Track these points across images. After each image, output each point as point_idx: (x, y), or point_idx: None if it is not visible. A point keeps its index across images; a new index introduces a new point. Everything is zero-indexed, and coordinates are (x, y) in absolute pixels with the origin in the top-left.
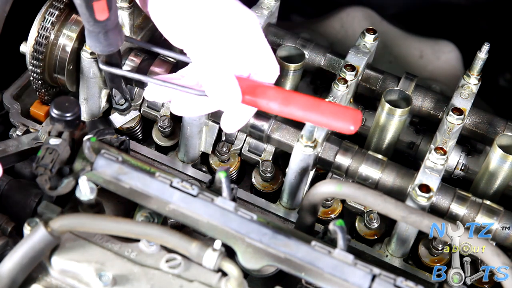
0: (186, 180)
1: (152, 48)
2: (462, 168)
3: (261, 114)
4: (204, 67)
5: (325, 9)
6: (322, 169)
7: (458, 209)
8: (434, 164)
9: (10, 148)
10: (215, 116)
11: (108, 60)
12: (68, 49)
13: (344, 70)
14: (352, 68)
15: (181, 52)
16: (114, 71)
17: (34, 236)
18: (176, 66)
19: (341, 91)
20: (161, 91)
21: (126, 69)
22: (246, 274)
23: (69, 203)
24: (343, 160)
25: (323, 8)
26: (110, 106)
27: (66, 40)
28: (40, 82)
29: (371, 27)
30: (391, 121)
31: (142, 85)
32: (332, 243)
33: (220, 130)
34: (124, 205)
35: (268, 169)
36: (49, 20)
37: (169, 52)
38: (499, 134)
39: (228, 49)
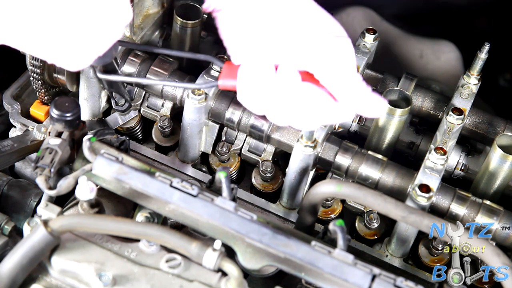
0: (186, 180)
1: (150, 50)
2: (462, 168)
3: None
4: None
5: (325, 9)
6: (322, 169)
7: (458, 209)
8: (434, 164)
9: (5, 148)
10: (216, 116)
11: (105, 69)
12: None
13: None
14: None
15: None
16: (112, 78)
17: (34, 236)
18: (180, 67)
19: None
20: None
21: (125, 73)
22: (246, 274)
23: (69, 203)
24: (343, 160)
25: (323, 8)
26: (110, 106)
27: None
28: (40, 82)
29: (371, 27)
30: (391, 121)
31: (142, 85)
32: (332, 243)
33: (220, 130)
34: (124, 205)
35: (268, 169)
36: None
37: (166, 50)
38: (499, 134)
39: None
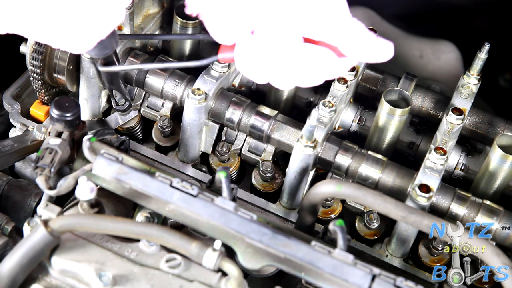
0: (186, 180)
1: (149, 38)
2: (462, 168)
3: (261, 114)
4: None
5: None
6: (322, 169)
7: (458, 209)
8: (434, 164)
9: (5, 148)
10: (216, 117)
11: (105, 62)
12: None
13: None
14: (352, 68)
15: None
16: (113, 69)
17: (34, 236)
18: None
19: (341, 91)
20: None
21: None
22: (246, 274)
23: (69, 203)
24: (343, 160)
25: None
26: (110, 106)
27: None
28: (40, 82)
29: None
30: (391, 121)
31: (142, 85)
32: (332, 243)
33: (220, 130)
34: (124, 205)
35: (268, 169)
36: None
37: (165, 36)
38: (499, 134)
39: None
